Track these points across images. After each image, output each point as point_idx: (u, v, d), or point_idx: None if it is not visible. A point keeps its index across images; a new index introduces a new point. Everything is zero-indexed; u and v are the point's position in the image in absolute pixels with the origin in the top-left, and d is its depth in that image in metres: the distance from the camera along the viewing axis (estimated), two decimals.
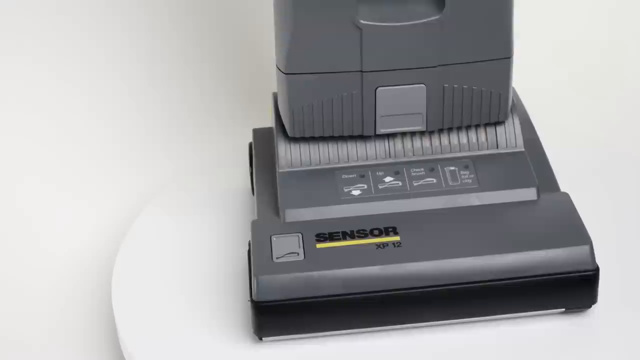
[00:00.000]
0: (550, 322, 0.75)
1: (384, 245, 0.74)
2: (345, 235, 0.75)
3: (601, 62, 1.05)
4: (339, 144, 0.80)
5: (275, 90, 0.86)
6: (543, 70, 1.05)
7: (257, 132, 0.89)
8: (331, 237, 0.75)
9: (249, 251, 0.77)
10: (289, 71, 0.76)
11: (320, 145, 0.80)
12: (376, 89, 0.77)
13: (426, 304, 0.73)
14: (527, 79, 0.95)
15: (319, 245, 0.74)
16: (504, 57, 0.77)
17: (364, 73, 0.76)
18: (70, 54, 1.00)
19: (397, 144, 0.80)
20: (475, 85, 0.78)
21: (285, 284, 0.72)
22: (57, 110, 1.00)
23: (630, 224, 0.82)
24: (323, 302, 0.72)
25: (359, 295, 0.72)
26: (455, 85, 0.77)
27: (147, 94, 1.02)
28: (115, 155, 0.99)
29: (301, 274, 0.72)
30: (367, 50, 0.75)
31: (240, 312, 0.78)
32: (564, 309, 0.75)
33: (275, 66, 0.82)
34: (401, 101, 0.78)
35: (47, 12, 0.99)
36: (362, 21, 0.74)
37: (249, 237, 0.83)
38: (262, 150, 0.86)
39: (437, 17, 0.74)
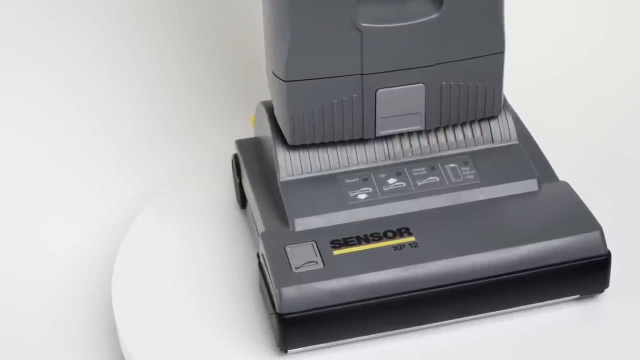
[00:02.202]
0: (566, 308, 0.76)
1: (400, 246, 0.74)
2: (360, 240, 0.74)
3: (599, 62, 1.07)
4: (338, 149, 0.79)
5: (261, 100, 0.85)
6: (542, 70, 1.06)
7: (241, 143, 0.87)
8: (346, 242, 0.74)
9: (259, 264, 0.76)
10: (289, 78, 0.75)
11: (320, 151, 0.79)
12: (376, 91, 0.77)
13: (449, 301, 0.73)
14: (526, 79, 0.97)
15: (336, 252, 0.74)
16: (498, 52, 0.78)
17: (364, 76, 0.76)
18: (64, 60, 0.99)
19: (396, 145, 0.80)
20: (471, 81, 0.78)
21: (309, 294, 0.71)
22: (57, 110, 0.99)
23: (629, 222, 0.83)
24: (348, 309, 0.71)
25: (383, 298, 0.72)
26: (452, 83, 0.78)
27: (146, 95, 1.01)
28: (115, 156, 0.99)
29: (324, 283, 0.71)
30: (367, 52, 0.75)
31: (241, 312, 0.77)
32: (578, 296, 0.76)
33: (265, 75, 0.81)
34: (400, 102, 0.77)
35: (35, 17, 0.97)
36: (363, 24, 0.74)
37: (248, 239, 0.84)
38: (251, 161, 0.85)
39: (436, 15, 0.75)
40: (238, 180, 0.86)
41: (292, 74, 0.75)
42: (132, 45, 1.00)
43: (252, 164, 0.84)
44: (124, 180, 0.98)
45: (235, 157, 0.87)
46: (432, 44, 0.76)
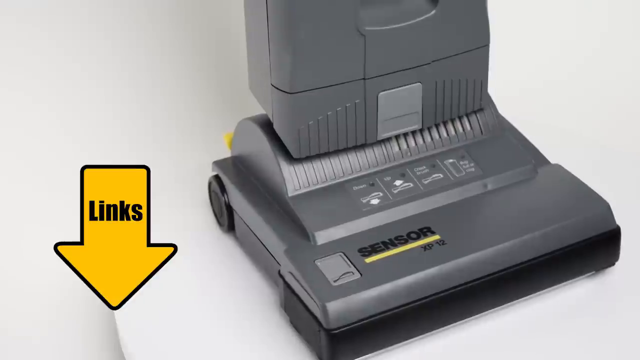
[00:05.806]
0: (582, 284, 0.78)
1: (429, 246, 0.74)
2: (387, 245, 0.74)
3: (601, 64, 1.10)
4: (340, 157, 0.78)
5: (246, 117, 0.83)
6: (542, 71, 1.08)
7: (220, 164, 0.85)
8: (374, 249, 0.73)
9: (285, 282, 0.74)
10: (294, 90, 0.74)
11: (322, 161, 0.78)
12: (378, 94, 0.76)
13: (482, 293, 0.73)
14: (526, 80, 0.98)
15: (368, 260, 0.73)
16: (484, 45, 0.79)
17: (366, 80, 0.75)
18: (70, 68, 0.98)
19: (394, 147, 0.80)
20: (461, 76, 0.79)
21: (354, 305, 0.70)
22: (58, 109, 0.98)
23: (628, 222, 0.84)
24: (393, 315, 0.71)
25: (425, 299, 0.71)
26: (445, 79, 0.78)
27: (146, 95, 1.01)
28: (115, 156, 0.98)
29: (367, 292, 0.70)
30: (370, 55, 0.74)
31: (242, 313, 0.77)
32: (594, 271, 0.78)
33: (250, 90, 0.79)
34: (400, 103, 0.77)
35: (29, 22, 0.95)
36: (366, 27, 0.73)
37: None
38: (239, 180, 0.82)
39: (433, 12, 0.75)
40: (225, 200, 0.84)
41: (297, 86, 0.74)
42: (125, 51, 1.00)
43: (242, 183, 0.82)
44: None
45: (217, 178, 0.85)
46: (429, 42, 0.76)
